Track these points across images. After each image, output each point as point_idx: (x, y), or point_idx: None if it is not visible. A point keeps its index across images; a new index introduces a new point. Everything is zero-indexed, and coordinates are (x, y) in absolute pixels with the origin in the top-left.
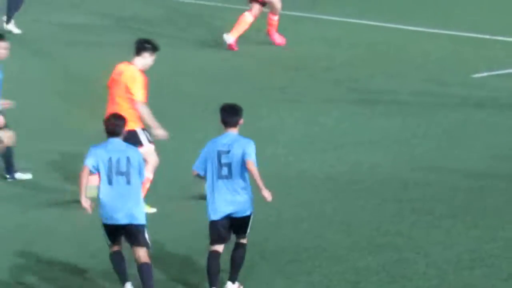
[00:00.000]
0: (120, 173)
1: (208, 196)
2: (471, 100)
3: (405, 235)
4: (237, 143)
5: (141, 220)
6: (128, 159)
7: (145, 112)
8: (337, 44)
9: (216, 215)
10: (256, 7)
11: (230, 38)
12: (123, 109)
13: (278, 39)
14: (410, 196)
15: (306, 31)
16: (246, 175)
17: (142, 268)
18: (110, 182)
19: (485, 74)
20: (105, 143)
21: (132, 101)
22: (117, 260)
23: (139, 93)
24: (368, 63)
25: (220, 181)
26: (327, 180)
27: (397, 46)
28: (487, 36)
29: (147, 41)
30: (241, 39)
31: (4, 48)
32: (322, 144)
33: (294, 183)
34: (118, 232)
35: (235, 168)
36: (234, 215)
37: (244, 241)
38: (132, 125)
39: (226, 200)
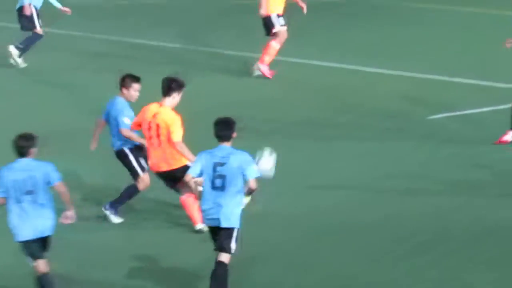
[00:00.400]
0: (27, 192)
1: (202, 203)
2: (429, 141)
3: (362, 277)
4: (233, 156)
5: (49, 232)
6: (34, 178)
7: (185, 151)
8: (297, 86)
9: (207, 222)
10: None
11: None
12: (168, 151)
13: (267, 71)
14: (369, 237)
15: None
16: (239, 188)
17: (42, 279)
18: (18, 201)
19: (442, 115)
20: (12, 163)
21: (172, 141)
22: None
23: (177, 134)
24: (328, 105)
25: (215, 192)
26: (287, 220)
27: (355, 88)
28: (445, 78)
29: (174, 80)
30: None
31: (137, 90)
32: (283, 184)
33: (255, 222)
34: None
35: (229, 181)
36: (220, 225)
37: (225, 259)
38: (182, 161)
39: (217, 208)
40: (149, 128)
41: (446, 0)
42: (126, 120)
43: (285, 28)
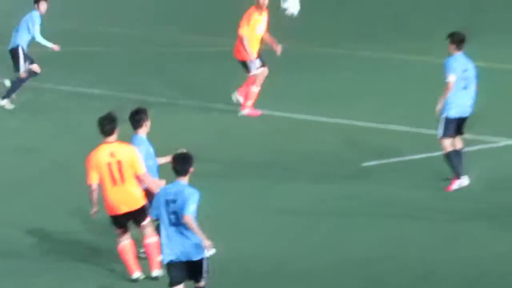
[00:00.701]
0: None
1: (162, 241)
2: (361, 190)
3: None
4: (182, 194)
5: None
6: None
7: (152, 181)
8: (227, 134)
9: (170, 257)
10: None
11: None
12: (130, 189)
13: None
14: (299, 285)
15: (198, 121)
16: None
17: None
18: None
19: (377, 162)
20: None
21: (138, 176)
22: None
23: (143, 165)
24: (259, 153)
25: (172, 228)
26: (218, 265)
27: (288, 134)
28: (380, 125)
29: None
30: None
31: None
32: (215, 227)
33: None
34: None
35: (181, 217)
36: (188, 260)
37: (201, 284)
38: (141, 201)
39: (178, 245)
40: (110, 170)
41: (380, 48)
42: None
43: (262, 69)
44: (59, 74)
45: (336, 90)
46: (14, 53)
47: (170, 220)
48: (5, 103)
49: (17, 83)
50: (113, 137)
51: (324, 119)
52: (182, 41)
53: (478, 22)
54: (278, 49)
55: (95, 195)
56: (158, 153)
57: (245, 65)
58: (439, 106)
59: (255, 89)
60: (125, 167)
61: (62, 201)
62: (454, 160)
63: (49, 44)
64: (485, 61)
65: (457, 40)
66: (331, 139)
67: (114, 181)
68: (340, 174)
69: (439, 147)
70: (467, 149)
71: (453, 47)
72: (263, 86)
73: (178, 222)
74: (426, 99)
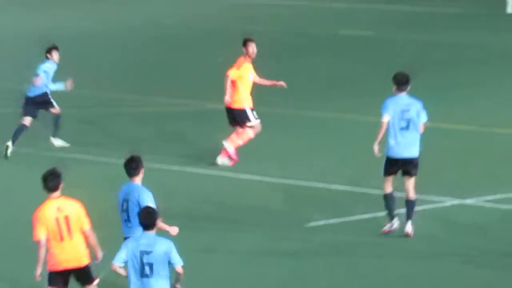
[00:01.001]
0: None
1: None
2: (306, 249)
3: None
4: (158, 244)
5: None
6: None
7: (95, 238)
8: (175, 193)
9: None
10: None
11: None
12: (78, 244)
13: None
14: None
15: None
16: (167, 273)
17: None
18: None
19: (321, 222)
20: None
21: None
22: None
23: (88, 220)
24: (202, 213)
25: (144, 279)
26: None
27: (230, 195)
28: (325, 185)
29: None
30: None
31: None
32: None
33: None
34: None
35: (156, 268)
36: None
37: None
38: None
39: None
40: (58, 225)
41: (328, 107)
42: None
43: (258, 121)
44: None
45: (282, 149)
46: (42, 97)
47: (142, 271)
48: (60, 143)
49: (57, 119)
50: (57, 193)
51: (270, 178)
52: (127, 101)
53: (423, 81)
54: (282, 83)
55: (43, 251)
56: None
57: (241, 116)
58: (374, 146)
59: (251, 134)
60: (73, 222)
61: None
62: (388, 203)
63: (62, 86)
64: (431, 120)
65: (397, 81)
66: (277, 198)
67: (61, 237)
68: (287, 234)
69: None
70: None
71: (394, 87)
72: (209, 146)
73: (151, 274)
74: (373, 158)
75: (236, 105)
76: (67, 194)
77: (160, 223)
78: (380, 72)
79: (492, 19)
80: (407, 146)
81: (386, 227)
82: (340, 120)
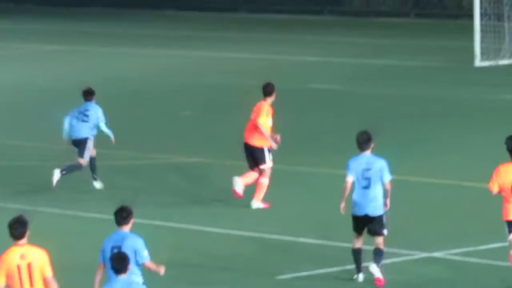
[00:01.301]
0: None
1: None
2: None
3: None
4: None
5: None
6: None
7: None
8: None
9: None
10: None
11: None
12: None
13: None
14: None
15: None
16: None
17: None
18: None
19: (291, 275)
20: None
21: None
22: None
23: (50, 269)
24: (171, 264)
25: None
26: None
27: (199, 248)
28: (290, 238)
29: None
30: None
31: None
32: None
33: None
34: None
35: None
36: None
37: None
38: None
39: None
40: (19, 272)
41: (290, 160)
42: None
43: (271, 165)
44: None
45: (243, 203)
46: (82, 142)
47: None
48: (98, 185)
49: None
50: (23, 240)
51: (240, 231)
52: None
53: (391, 134)
54: (278, 137)
55: None
56: None
57: (258, 155)
58: (341, 204)
59: (265, 181)
60: (35, 270)
61: None
62: (355, 258)
63: (111, 134)
64: (399, 174)
65: (358, 141)
66: (247, 250)
67: (21, 284)
68: (256, 287)
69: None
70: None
71: (357, 146)
72: (173, 198)
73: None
74: (334, 211)
75: (256, 143)
76: (33, 242)
77: (149, 264)
78: (348, 126)
79: (460, 73)
80: (369, 204)
81: (355, 278)
82: (311, 174)
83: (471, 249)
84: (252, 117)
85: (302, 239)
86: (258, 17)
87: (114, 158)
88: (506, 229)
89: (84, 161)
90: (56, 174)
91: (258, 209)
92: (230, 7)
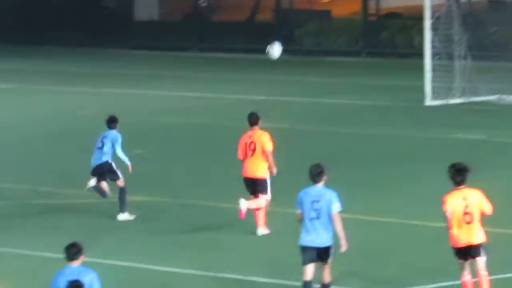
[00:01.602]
0: None
1: None
2: None
3: None
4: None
5: None
6: None
7: None
8: None
9: None
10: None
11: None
12: None
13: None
14: None
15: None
16: None
17: None
18: None
19: None
20: None
21: None
22: None
23: None
24: None
25: None
26: None
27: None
28: (242, 277)
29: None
30: None
31: None
32: None
33: None
34: None
35: None
36: None
37: None
38: None
39: None
40: None
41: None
42: None
43: (270, 196)
44: None
45: (202, 239)
46: (106, 166)
47: None
48: (126, 216)
49: (123, 194)
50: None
51: (190, 270)
52: (41, 193)
53: (340, 174)
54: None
55: None
56: None
57: (261, 185)
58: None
59: (263, 204)
60: None
61: None
62: None
63: (127, 161)
64: (351, 212)
65: (310, 173)
66: None
67: None
68: None
69: None
70: None
71: (310, 178)
72: (119, 241)
73: None
74: (290, 248)
75: (259, 175)
76: None
77: None
78: (300, 164)
79: (410, 112)
80: (318, 236)
81: None
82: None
83: (423, 287)
84: (256, 148)
85: (251, 278)
86: (208, 56)
87: (69, 197)
88: (455, 256)
89: (121, 180)
90: (92, 181)
91: (207, 247)
92: (182, 46)
